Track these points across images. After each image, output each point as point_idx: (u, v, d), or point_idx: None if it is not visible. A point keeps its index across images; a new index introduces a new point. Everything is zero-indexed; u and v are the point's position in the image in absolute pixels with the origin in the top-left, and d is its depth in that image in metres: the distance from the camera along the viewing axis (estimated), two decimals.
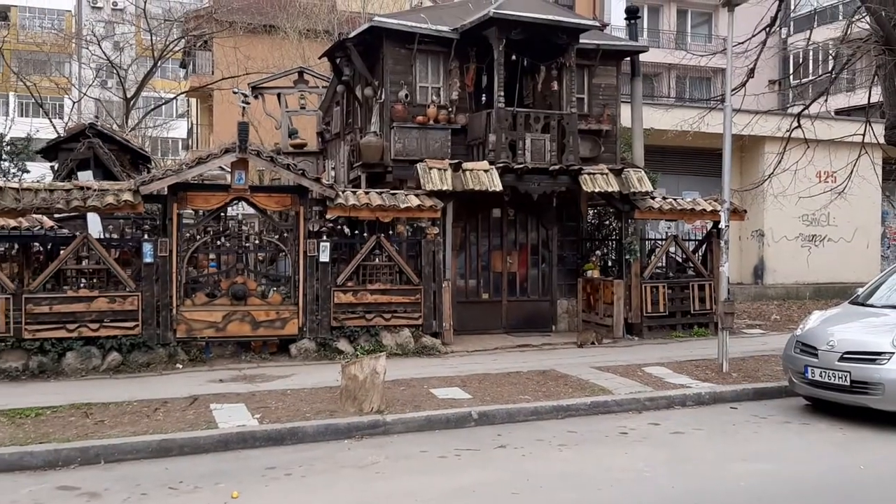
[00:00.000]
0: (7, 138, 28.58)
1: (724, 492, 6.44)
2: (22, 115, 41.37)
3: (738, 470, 6.99)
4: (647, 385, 10.10)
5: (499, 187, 13.09)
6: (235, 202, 12.33)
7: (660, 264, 15.26)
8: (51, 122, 28.96)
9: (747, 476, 6.80)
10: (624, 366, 11.38)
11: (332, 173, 16.74)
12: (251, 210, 13.16)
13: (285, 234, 12.38)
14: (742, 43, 13.77)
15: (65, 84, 33.98)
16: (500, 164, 13.31)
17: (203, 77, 31.06)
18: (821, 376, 8.78)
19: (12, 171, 24.86)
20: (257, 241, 13.10)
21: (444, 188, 12.86)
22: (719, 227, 12.20)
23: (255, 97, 19.78)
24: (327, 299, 12.02)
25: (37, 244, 11.99)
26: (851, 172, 14.82)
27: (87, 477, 6.64)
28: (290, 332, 11.85)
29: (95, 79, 32.57)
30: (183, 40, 30.07)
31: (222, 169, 13.51)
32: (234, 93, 15.45)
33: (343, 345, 12.02)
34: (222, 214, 12.75)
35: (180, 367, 11.12)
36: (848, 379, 8.49)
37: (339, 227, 13.36)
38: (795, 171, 15.38)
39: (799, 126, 14.92)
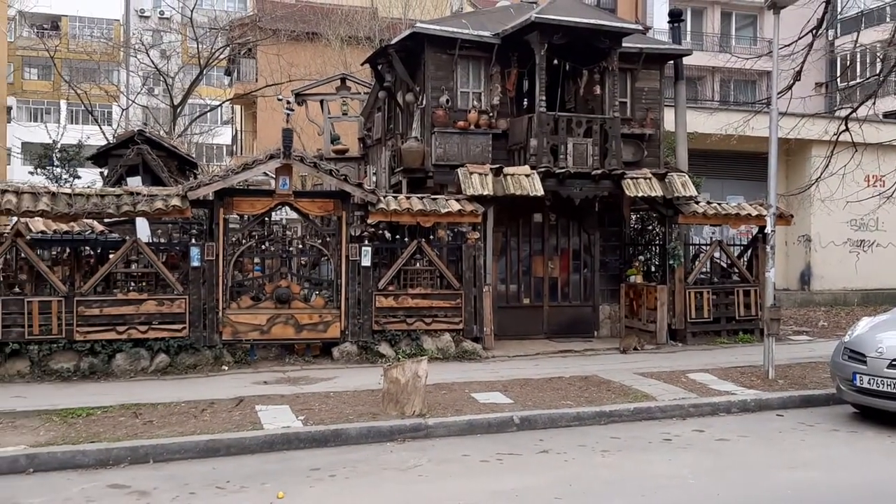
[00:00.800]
0: (59, 145, 29.36)
1: (770, 500, 6.35)
2: (73, 123, 42.43)
3: (784, 478, 6.88)
4: (691, 391, 10.00)
5: (540, 192, 13.07)
6: (279, 207, 12.49)
7: (704, 269, 15.09)
8: (100, 128, 29.60)
9: (794, 484, 6.70)
10: (667, 372, 11.27)
11: (374, 178, 16.86)
12: (294, 215, 13.33)
13: (328, 239, 12.52)
14: (788, 45, 13.58)
15: (114, 92, 34.73)
16: (542, 169, 13.29)
17: (247, 84, 31.52)
18: (869, 383, 8.62)
19: (64, 176, 25.51)
20: (300, 246, 13.24)
21: (485, 193, 12.88)
22: (765, 231, 12.03)
23: (299, 104, 20.03)
24: (369, 303, 12.11)
25: (87, 248, 12.28)
26: None
27: (137, 476, 6.79)
28: (332, 336, 11.96)
29: (143, 86, 33.24)
30: (228, 48, 30.54)
31: (266, 174, 13.69)
32: (279, 100, 15.68)
33: (384, 348, 12.10)
34: (267, 219, 12.92)
35: (226, 368, 11.30)
36: None
37: (380, 231, 13.44)
38: (843, 175, 15.11)
39: (846, 129, 14.67)
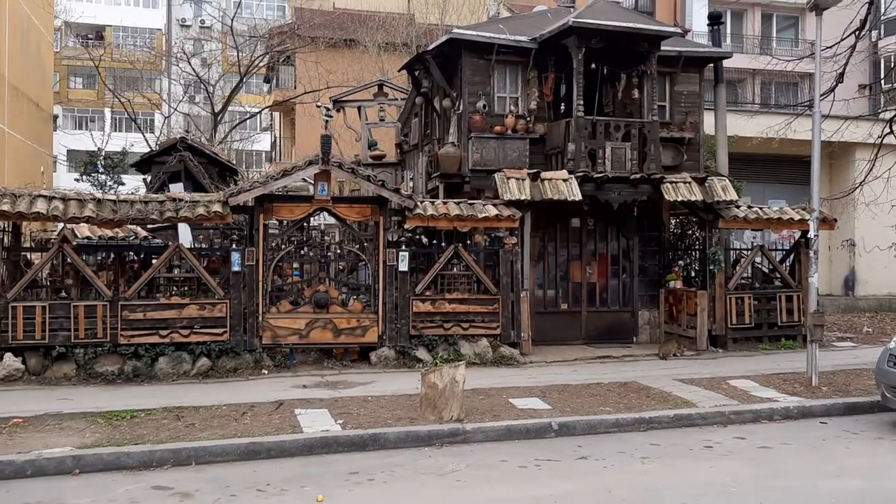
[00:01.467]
0: (104, 152, 29.95)
1: None
2: (117, 130, 43.24)
3: (828, 486, 6.76)
4: (732, 398, 9.86)
5: (578, 197, 13.02)
6: (318, 213, 12.61)
7: (745, 275, 14.89)
8: (144, 136, 30.17)
9: (838, 493, 6.58)
10: (708, 378, 11.14)
11: (411, 184, 16.94)
12: (332, 220, 13.44)
13: (365, 244, 12.60)
14: (830, 47, 13.38)
15: (156, 100, 35.37)
16: (580, 174, 13.23)
17: (286, 91, 31.85)
18: None
19: (109, 183, 26.01)
20: (338, 251, 13.35)
21: (522, 198, 12.85)
22: (808, 236, 11.83)
23: (337, 110, 20.19)
24: (406, 308, 12.16)
25: (131, 253, 12.51)
26: None
27: (180, 478, 6.89)
28: (370, 340, 12.03)
29: (185, 94, 33.80)
30: (267, 56, 30.91)
31: (305, 180, 13.84)
32: (318, 107, 15.81)
33: (422, 353, 12.14)
34: (305, 224, 13.05)
35: (266, 372, 11.43)
36: None
37: (417, 236, 13.51)
38: (888, 179, 14.83)
39: (891, 132, 14.39)
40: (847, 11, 13.37)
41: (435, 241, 13.71)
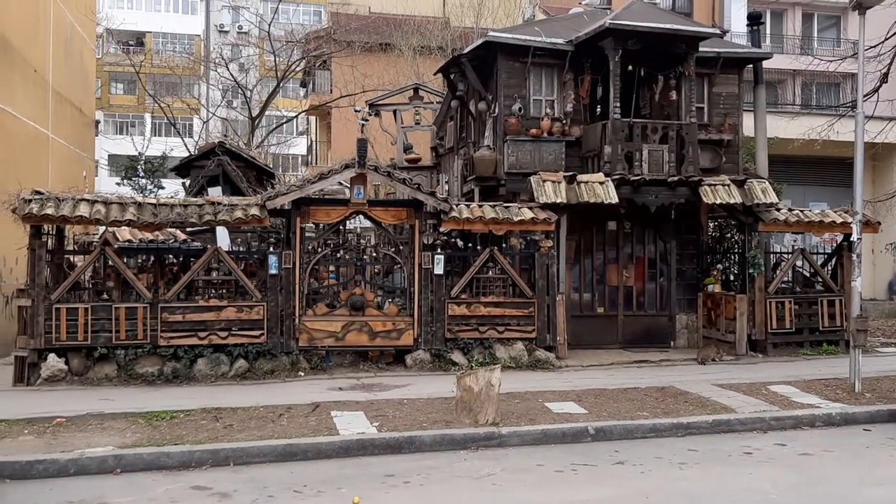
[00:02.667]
0: (144, 157, 30.44)
1: None
2: (156, 135, 43.98)
3: (872, 495, 6.61)
4: (772, 404, 9.70)
5: (614, 199, 12.92)
6: (354, 216, 12.67)
7: (785, 279, 14.65)
8: (183, 141, 30.59)
9: (882, 501, 6.44)
10: (747, 384, 10.97)
11: (446, 187, 16.95)
12: (368, 223, 13.50)
13: (401, 247, 12.63)
14: (874, 47, 13.12)
15: (195, 105, 35.85)
16: (616, 176, 13.13)
17: (322, 96, 32.10)
18: None
19: (149, 187, 26.43)
20: (374, 254, 13.40)
21: (558, 201, 12.79)
22: (850, 239, 11.61)
23: (372, 114, 20.28)
24: (441, 311, 12.16)
25: (171, 256, 12.69)
26: None
27: (218, 478, 6.96)
28: (405, 343, 12.05)
29: (223, 99, 34.21)
30: (303, 61, 31.18)
31: (341, 184, 13.90)
32: (356, 111, 15.89)
33: (457, 356, 12.13)
34: (341, 227, 13.12)
35: (302, 374, 11.51)
36: None
37: (452, 240, 13.50)
38: None
39: None
40: (891, 10, 13.07)
41: (470, 245, 13.69)
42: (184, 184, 18.15)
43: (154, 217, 11.22)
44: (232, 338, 11.40)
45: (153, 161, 30.25)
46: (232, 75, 31.11)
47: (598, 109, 14.39)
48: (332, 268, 13.24)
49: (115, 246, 11.77)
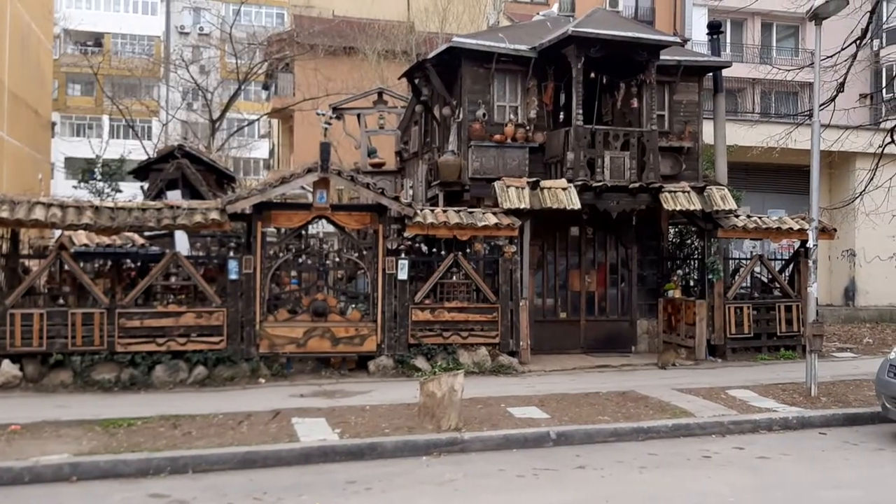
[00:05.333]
0: (101, 160, 29.95)
1: None
2: (114, 137, 43.28)
3: (828, 497, 6.73)
4: (730, 408, 9.83)
5: (577, 205, 13.01)
6: (316, 220, 12.59)
7: (744, 284, 14.88)
8: (141, 143, 30.19)
9: None
10: (706, 388, 11.10)
11: (411, 192, 16.92)
12: (331, 228, 13.41)
13: (364, 252, 12.57)
14: (831, 56, 13.39)
15: (154, 107, 35.40)
16: (579, 182, 13.23)
17: (284, 98, 31.87)
18: None
19: (106, 190, 25.98)
20: (337, 259, 13.32)
21: (522, 206, 12.84)
22: (807, 246, 11.82)
23: (336, 118, 20.18)
24: (405, 317, 12.12)
25: (128, 261, 12.48)
26: None
27: (176, 486, 6.84)
28: (368, 349, 11.99)
29: (183, 102, 33.83)
30: (266, 63, 30.96)
31: (304, 188, 13.80)
32: (318, 114, 15.79)
33: (420, 362, 12.09)
34: (304, 232, 13.01)
35: (262, 381, 11.38)
36: None
37: (416, 245, 13.47)
38: (889, 188, 14.83)
39: (892, 141, 14.40)
40: (848, 21, 13.38)
41: (434, 250, 13.69)
42: (142, 187, 17.88)
43: (111, 221, 11.02)
44: (191, 344, 11.23)
45: (111, 164, 29.76)
46: (192, 77, 30.78)
47: (562, 116, 14.48)
48: (294, 273, 13.11)
49: (72, 250, 11.54)
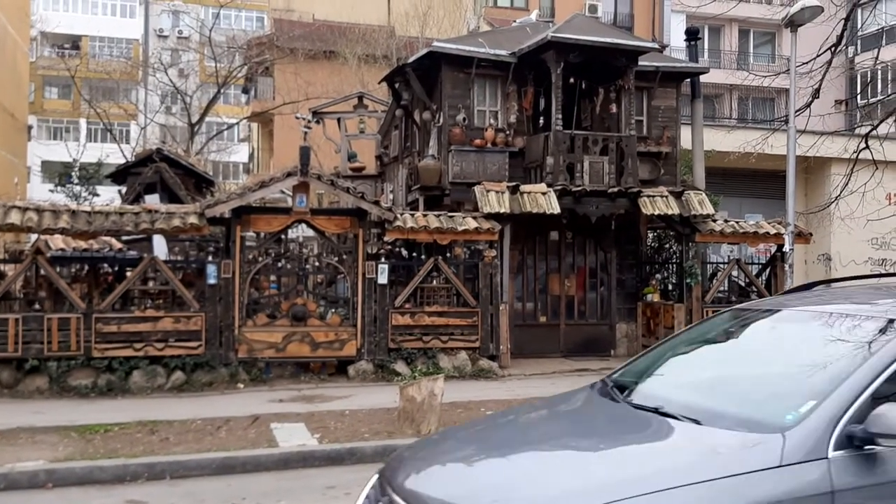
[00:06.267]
0: (78, 163, 29.67)
1: None
2: (92, 141, 42.91)
3: None
4: None
5: (556, 210, 13.06)
6: (296, 225, 12.55)
7: (722, 288, 14.99)
8: (119, 147, 29.98)
9: None
10: None
11: (391, 196, 16.92)
12: (311, 232, 13.38)
13: (344, 257, 12.54)
14: (806, 63, 13.49)
15: (132, 110, 35.16)
16: (558, 187, 13.29)
17: (264, 102, 31.77)
18: None
19: (83, 194, 25.75)
20: (316, 263, 13.28)
21: (502, 211, 12.88)
22: (784, 250, 11.95)
23: (316, 122, 20.13)
24: (385, 321, 12.11)
25: (105, 265, 12.37)
26: None
27: (154, 492, 6.78)
28: (348, 354, 11.96)
29: (161, 105, 33.62)
30: (245, 67, 30.85)
31: (283, 192, 13.78)
32: (297, 118, 15.75)
33: (400, 367, 12.07)
34: (283, 237, 12.97)
35: (241, 386, 11.31)
36: None
37: (396, 249, 13.46)
38: (864, 194, 14.94)
39: (867, 147, 14.51)
40: (823, 27, 13.50)
41: (415, 254, 13.67)
42: (120, 191, 17.73)
43: (88, 225, 10.92)
44: (169, 349, 11.14)
45: (88, 168, 29.52)
46: (171, 80, 30.62)
47: (541, 121, 14.55)
48: (273, 277, 13.07)
49: (48, 255, 11.41)
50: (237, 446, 7.84)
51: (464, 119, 14.04)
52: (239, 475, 7.34)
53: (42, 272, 11.24)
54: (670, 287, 15.49)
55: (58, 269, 11.40)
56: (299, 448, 7.85)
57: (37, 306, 11.29)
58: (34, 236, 12.19)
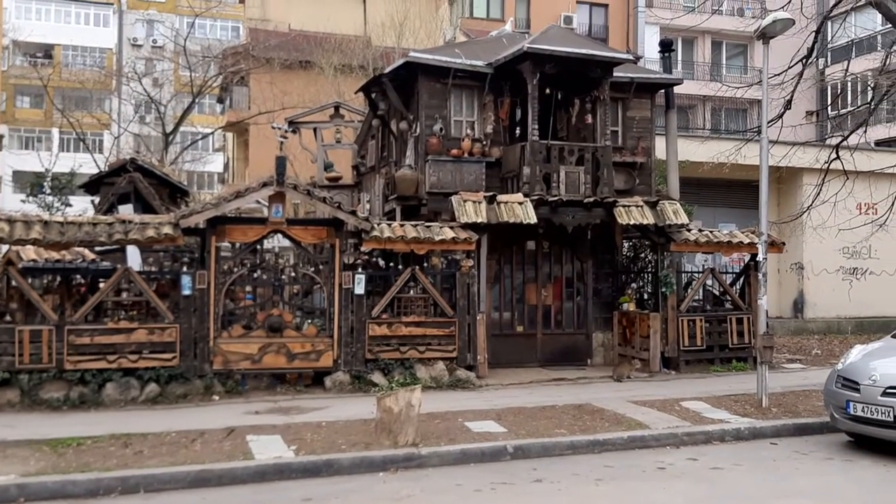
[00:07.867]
0: (51, 173, 29.33)
1: None
2: (64, 151, 42.48)
3: None
4: (684, 420, 9.96)
5: (533, 220, 13.11)
6: (272, 235, 12.48)
7: (697, 297, 15.11)
8: (92, 157, 29.67)
9: None
10: (661, 400, 11.23)
11: (368, 206, 16.89)
12: (287, 243, 13.31)
13: (321, 267, 12.49)
14: (778, 75, 13.70)
15: (106, 120, 34.83)
16: (535, 197, 13.33)
17: (240, 112, 31.63)
18: (863, 412, 8.60)
19: (56, 204, 25.44)
20: (293, 274, 13.21)
21: (479, 220, 12.90)
22: (757, 259, 12.08)
23: (292, 131, 20.06)
24: (362, 332, 12.06)
25: (78, 276, 12.21)
26: (893, 204, 14.61)
27: None
28: (325, 365, 11.89)
29: (135, 114, 33.34)
30: (220, 76, 30.69)
31: (259, 202, 13.69)
32: (273, 128, 15.71)
33: (377, 377, 12.03)
34: (259, 247, 12.89)
35: (217, 398, 11.20)
36: (891, 414, 8.29)
37: (374, 259, 13.44)
38: (835, 203, 15.16)
39: (838, 157, 14.76)
40: (794, 39, 13.70)
41: (391, 264, 13.65)
42: (93, 201, 17.54)
43: (61, 236, 10.79)
44: (143, 361, 11.02)
45: (61, 177, 29.16)
46: (145, 90, 30.39)
47: (518, 131, 14.60)
48: (248, 288, 12.97)
49: (20, 266, 11.24)
50: (212, 459, 7.76)
51: (441, 129, 14.06)
52: (214, 488, 7.28)
53: (13, 283, 11.08)
54: (646, 296, 15.58)
55: (30, 281, 11.24)
56: (276, 460, 7.79)
57: (8, 318, 11.10)
58: (5, 247, 12.01)
